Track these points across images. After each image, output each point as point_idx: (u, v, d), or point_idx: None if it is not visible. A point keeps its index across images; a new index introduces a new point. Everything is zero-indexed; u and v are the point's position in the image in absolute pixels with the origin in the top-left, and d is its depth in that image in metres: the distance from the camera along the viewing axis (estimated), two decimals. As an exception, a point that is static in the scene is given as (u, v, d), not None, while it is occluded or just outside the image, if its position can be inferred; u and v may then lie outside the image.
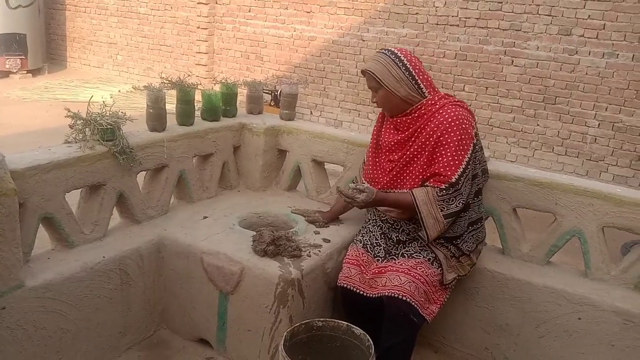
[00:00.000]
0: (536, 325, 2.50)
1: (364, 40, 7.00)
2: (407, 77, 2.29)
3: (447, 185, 2.20)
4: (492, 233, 2.74)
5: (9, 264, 1.99)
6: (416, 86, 2.31)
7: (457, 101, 2.35)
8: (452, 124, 2.24)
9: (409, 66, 2.30)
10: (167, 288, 2.64)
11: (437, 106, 2.30)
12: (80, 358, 2.34)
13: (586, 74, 5.67)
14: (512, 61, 6.04)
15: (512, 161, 6.13)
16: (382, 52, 2.35)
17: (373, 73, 2.32)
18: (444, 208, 2.21)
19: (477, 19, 6.15)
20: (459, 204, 2.23)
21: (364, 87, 6.81)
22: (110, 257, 2.38)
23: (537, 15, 5.81)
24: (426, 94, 2.33)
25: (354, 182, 2.54)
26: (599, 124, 5.70)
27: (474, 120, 2.34)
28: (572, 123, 5.84)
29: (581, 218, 2.48)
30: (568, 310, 2.42)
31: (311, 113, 7.61)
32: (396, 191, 2.37)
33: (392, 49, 2.36)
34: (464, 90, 6.37)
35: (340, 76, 7.29)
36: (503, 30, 6.02)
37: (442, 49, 6.44)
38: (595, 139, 5.74)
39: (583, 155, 5.84)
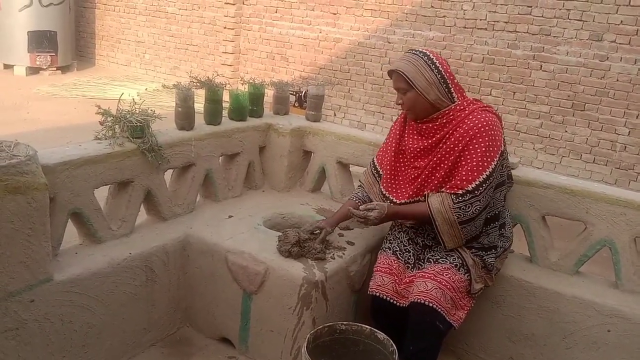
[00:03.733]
0: (563, 336, 2.45)
1: (390, 43, 6.96)
2: (439, 80, 2.21)
3: (463, 191, 2.15)
4: (519, 241, 2.70)
5: (38, 258, 2.01)
6: (447, 90, 2.24)
7: (486, 106, 2.28)
8: (482, 129, 2.17)
9: (441, 69, 2.22)
10: (191, 286, 2.65)
11: (466, 112, 2.22)
12: (105, 353, 2.36)
13: (617, 80, 5.55)
14: (541, 66, 5.94)
15: (538, 168, 6.02)
16: (413, 52, 2.25)
17: (403, 73, 2.21)
18: (460, 215, 2.16)
19: (505, 22, 6.07)
20: (475, 210, 2.17)
21: (389, 90, 6.78)
22: (136, 253, 2.40)
23: (568, 20, 5.71)
24: (455, 99, 2.26)
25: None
26: (629, 132, 5.57)
27: (502, 126, 2.29)
28: (601, 130, 5.72)
29: (613, 228, 2.42)
30: (597, 322, 2.36)
31: (335, 115, 7.60)
32: (418, 198, 2.30)
33: (424, 50, 2.26)
34: (490, 94, 6.29)
35: (365, 78, 7.26)
36: (532, 34, 5.93)
37: (469, 53, 6.37)
38: (625, 147, 5.62)
39: (612, 164, 5.72)
